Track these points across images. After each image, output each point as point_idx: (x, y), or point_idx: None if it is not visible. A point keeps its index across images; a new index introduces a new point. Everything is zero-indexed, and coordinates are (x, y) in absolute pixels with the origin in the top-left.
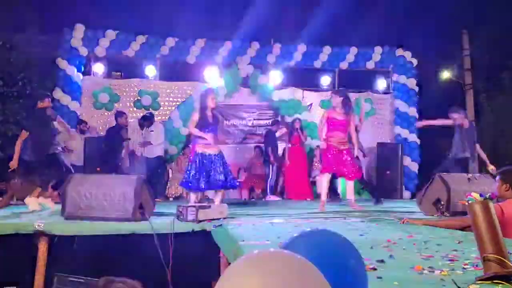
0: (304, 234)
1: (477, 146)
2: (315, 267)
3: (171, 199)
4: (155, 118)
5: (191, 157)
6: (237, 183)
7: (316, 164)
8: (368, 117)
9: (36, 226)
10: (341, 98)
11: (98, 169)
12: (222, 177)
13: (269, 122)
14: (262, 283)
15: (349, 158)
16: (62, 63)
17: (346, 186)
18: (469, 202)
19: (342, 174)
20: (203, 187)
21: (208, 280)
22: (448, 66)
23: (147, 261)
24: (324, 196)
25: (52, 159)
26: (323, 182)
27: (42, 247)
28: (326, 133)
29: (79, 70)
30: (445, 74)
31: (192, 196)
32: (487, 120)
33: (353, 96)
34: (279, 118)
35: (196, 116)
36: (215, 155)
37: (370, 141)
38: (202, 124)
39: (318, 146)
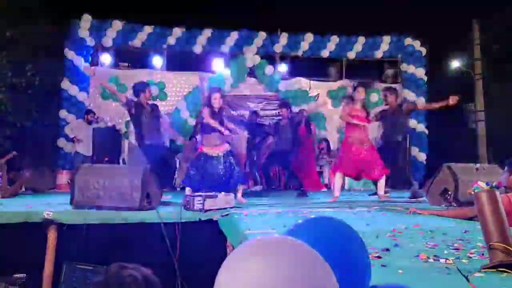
0: (308, 221)
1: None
2: (318, 253)
3: (178, 189)
4: (163, 108)
5: (196, 155)
6: (244, 180)
7: (325, 156)
8: (376, 107)
9: (45, 215)
10: (364, 92)
11: (106, 158)
12: (224, 178)
13: (276, 112)
14: (264, 268)
15: (370, 157)
16: (70, 54)
17: (378, 183)
18: (476, 191)
19: (366, 176)
20: (202, 189)
21: (215, 268)
22: (457, 55)
23: (154, 249)
24: (337, 192)
25: None
26: (337, 179)
27: (51, 235)
28: (346, 131)
29: (86, 61)
30: (455, 64)
31: (188, 191)
32: (497, 109)
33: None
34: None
35: (206, 110)
36: (218, 156)
37: (377, 131)
38: (204, 124)
39: (325, 139)
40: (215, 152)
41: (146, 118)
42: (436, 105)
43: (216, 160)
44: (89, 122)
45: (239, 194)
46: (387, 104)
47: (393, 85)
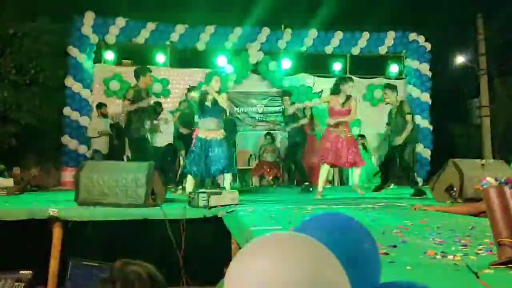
0: (317, 217)
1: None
2: (328, 249)
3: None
4: (166, 105)
5: (194, 142)
6: (235, 170)
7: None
8: (380, 103)
9: (51, 212)
10: (351, 86)
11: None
12: (220, 163)
13: (279, 109)
14: (274, 265)
15: (348, 146)
16: (73, 51)
17: (353, 172)
18: (484, 186)
19: (339, 162)
20: (200, 173)
21: (220, 265)
22: (462, 50)
23: (159, 246)
24: (321, 188)
25: None
26: (322, 173)
27: (57, 232)
28: (329, 122)
29: (90, 58)
30: (459, 59)
31: (189, 181)
32: (501, 105)
33: (365, 82)
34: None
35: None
36: (215, 140)
37: (382, 127)
38: (202, 109)
39: None
40: (210, 135)
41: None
42: None
43: (212, 144)
44: (104, 116)
45: (227, 183)
46: (387, 103)
47: (394, 82)
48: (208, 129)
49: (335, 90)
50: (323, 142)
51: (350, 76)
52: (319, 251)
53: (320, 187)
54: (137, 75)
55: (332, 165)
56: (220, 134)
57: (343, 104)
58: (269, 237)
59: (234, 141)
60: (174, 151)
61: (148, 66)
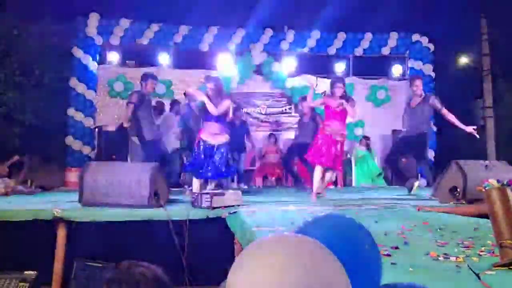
0: (318, 218)
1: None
2: (329, 250)
3: (186, 186)
4: (168, 107)
5: (197, 144)
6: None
7: None
8: (383, 104)
9: (55, 213)
10: (343, 87)
11: (114, 156)
12: (220, 168)
13: (283, 110)
14: (275, 266)
15: (341, 151)
16: (78, 52)
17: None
18: (486, 188)
19: (333, 167)
20: (206, 175)
21: (223, 266)
22: (466, 51)
23: (162, 247)
24: (316, 188)
25: None
26: (317, 173)
27: (61, 233)
28: (325, 120)
29: (94, 59)
30: (463, 60)
31: (195, 183)
32: (505, 106)
33: (368, 83)
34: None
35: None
36: (218, 145)
37: (385, 128)
38: (207, 114)
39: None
40: (213, 141)
41: (145, 111)
42: (455, 122)
43: (214, 149)
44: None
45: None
46: (416, 94)
47: (397, 83)
48: (210, 134)
49: (330, 91)
50: (318, 143)
51: (341, 77)
52: (320, 252)
53: (315, 189)
54: (145, 79)
55: (326, 167)
56: (222, 140)
57: (338, 105)
58: (270, 239)
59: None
60: (177, 151)
61: (154, 73)
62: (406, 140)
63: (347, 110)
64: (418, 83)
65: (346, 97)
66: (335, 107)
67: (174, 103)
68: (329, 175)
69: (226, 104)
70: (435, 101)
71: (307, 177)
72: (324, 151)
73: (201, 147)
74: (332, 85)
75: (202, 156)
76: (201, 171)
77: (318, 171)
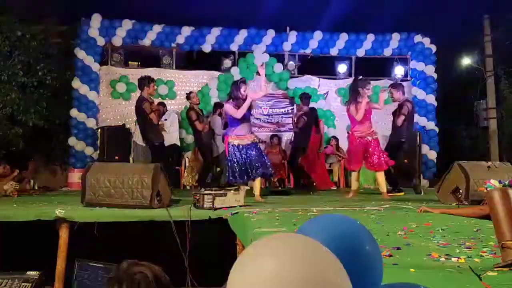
0: (319, 219)
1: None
2: (330, 251)
3: (188, 187)
4: (171, 107)
5: (228, 151)
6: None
7: (336, 153)
8: (385, 105)
9: (57, 213)
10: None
11: (117, 157)
12: (259, 166)
13: (285, 110)
14: (276, 267)
15: (374, 148)
16: (80, 53)
17: (378, 180)
18: (488, 189)
19: (366, 164)
20: (245, 178)
21: (225, 267)
22: (468, 52)
23: (164, 247)
24: (354, 187)
25: None
26: (354, 176)
27: (63, 233)
28: (352, 127)
29: (96, 60)
30: (465, 61)
31: (257, 185)
32: (508, 107)
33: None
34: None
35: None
36: (248, 145)
37: (387, 129)
38: (231, 119)
39: (334, 136)
40: (244, 141)
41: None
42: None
43: (246, 150)
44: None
45: (257, 192)
46: (394, 101)
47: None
48: (240, 137)
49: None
50: (351, 149)
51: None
52: (322, 253)
53: (353, 187)
54: (141, 85)
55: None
56: (252, 138)
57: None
58: (271, 239)
59: None
60: (179, 152)
61: (151, 76)
62: (393, 145)
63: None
64: (393, 91)
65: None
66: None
67: (217, 104)
68: (381, 179)
69: (246, 105)
70: (404, 108)
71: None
72: (353, 156)
73: (234, 152)
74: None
75: (238, 160)
76: (248, 174)
77: (354, 174)
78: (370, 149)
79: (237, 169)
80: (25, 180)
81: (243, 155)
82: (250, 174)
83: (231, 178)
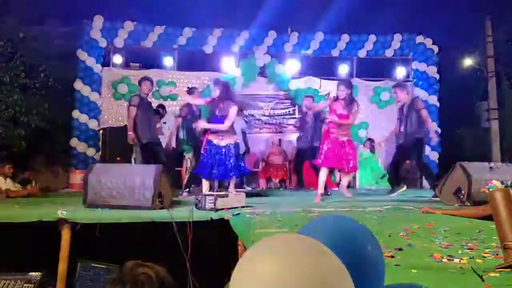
0: (321, 220)
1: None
2: (332, 251)
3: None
4: (172, 108)
5: (205, 145)
6: (247, 171)
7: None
8: (387, 106)
9: (59, 214)
10: (349, 91)
11: (118, 158)
12: (232, 167)
13: (286, 111)
14: (278, 267)
15: (350, 151)
16: (82, 55)
17: (343, 179)
18: (490, 190)
19: (340, 167)
20: (214, 176)
21: (227, 268)
22: (470, 53)
23: (166, 248)
24: (322, 190)
25: None
26: (322, 175)
27: (65, 234)
28: (328, 126)
29: (98, 62)
30: (467, 61)
31: (204, 184)
32: (510, 107)
33: (372, 84)
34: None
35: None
36: (226, 146)
37: (389, 130)
38: (213, 115)
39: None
40: (221, 142)
41: (141, 112)
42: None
43: (222, 150)
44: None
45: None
46: (398, 101)
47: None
48: (218, 135)
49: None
50: (324, 147)
51: (346, 79)
52: (323, 253)
53: (320, 190)
54: (140, 82)
55: (330, 168)
56: (230, 140)
57: (344, 107)
58: (273, 239)
59: None
60: (179, 153)
61: (147, 75)
62: (404, 146)
63: (352, 114)
64: (397, 90)
65: (349, 99)
66: (343, 112)
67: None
68: (346, 179)
69: (233, 112)
70: (417, 103)
71: (315, 182)
72: (330, 154)
73: (209, 148)
74: (337, 88)
75: (210, 157)
76: (211, 172)
77: (323, 172)
78: (347, 151)
79: (204, 163)
80: (32, 181)
81: (215, 154)
82: (211, 174)
83: (197, 169)
